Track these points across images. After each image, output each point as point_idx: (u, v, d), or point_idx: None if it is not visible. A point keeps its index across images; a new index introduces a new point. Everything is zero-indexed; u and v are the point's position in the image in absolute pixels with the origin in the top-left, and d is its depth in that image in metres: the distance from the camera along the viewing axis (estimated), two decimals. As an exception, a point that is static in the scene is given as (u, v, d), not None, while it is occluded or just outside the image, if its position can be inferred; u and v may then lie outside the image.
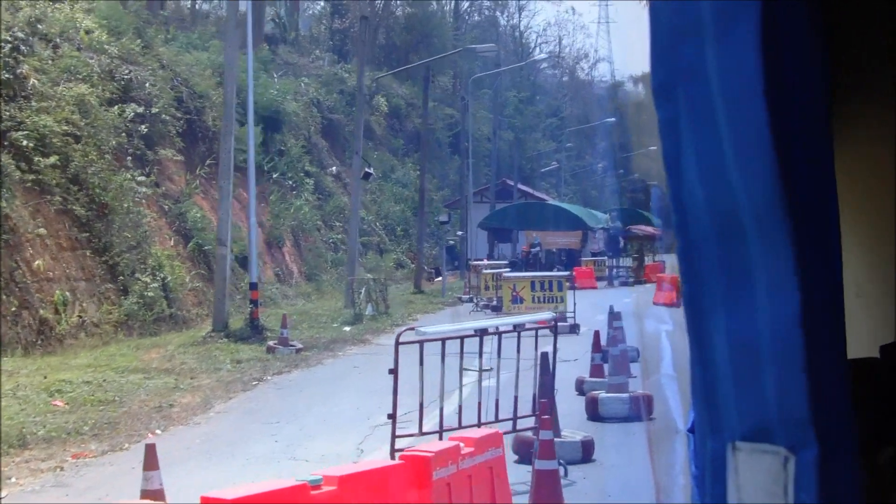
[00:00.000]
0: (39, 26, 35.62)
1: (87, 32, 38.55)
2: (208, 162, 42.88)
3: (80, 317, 29.64)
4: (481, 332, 11.90)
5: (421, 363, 11.53)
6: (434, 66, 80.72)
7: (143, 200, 36.52)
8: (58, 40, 36.08)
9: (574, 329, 28.91)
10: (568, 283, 30.78)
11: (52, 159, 30.34)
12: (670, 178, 1.78)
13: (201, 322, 35.88)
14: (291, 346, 24.79)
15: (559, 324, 30.34)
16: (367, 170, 39.01)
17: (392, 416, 11.32)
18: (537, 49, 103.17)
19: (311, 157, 56.48)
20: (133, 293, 31.90)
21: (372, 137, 71.64)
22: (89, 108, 33.65)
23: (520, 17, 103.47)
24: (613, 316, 22.26)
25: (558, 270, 57.91)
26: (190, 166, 42.38)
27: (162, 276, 33.85)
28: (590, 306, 34.22)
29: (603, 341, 20.94)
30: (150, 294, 32.42)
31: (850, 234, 2.60)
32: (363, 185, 43.83)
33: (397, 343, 11.41)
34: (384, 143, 73.41)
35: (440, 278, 54.54)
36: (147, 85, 39.34)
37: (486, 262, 56.42)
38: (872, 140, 4.03)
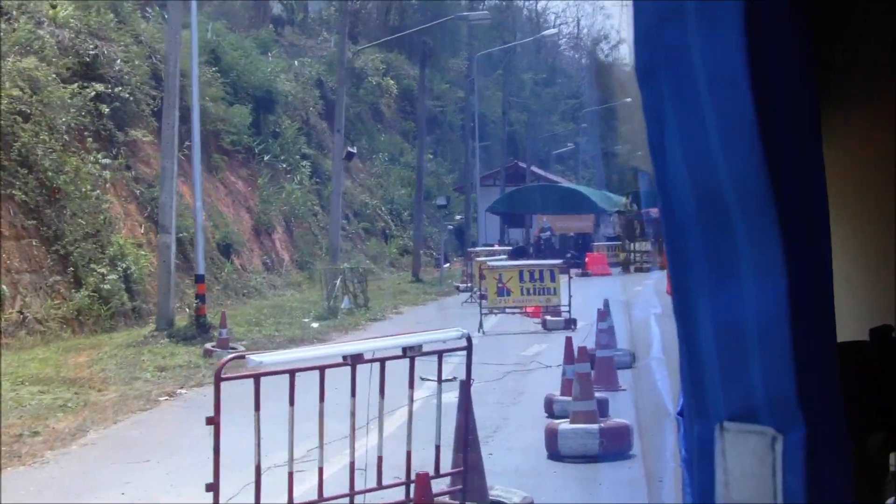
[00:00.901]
0: (-8, -3, 32.00)
1: (52, 6, 34.87)
2: (187, 143, 38.98)
3: (22, 312, 25.95)
4: (354, 360, 7.83)
5: (257, 408, 7.63)
6: (445, 47, 76.86)
7: (108, 185, 32.76)
8: (14, 13, 32.36)
9: (570, 325, 24.88)
10: (562, 272, 26.57)
11: (-8, 139, 26.69)
12: (655, 161, 1.72)
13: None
14: (232, 348, 20.85)
15: (551, 318, 26.50)
16: (349, 149, 35.00)
17: (213, 488, 7.40)
18: (557, 31, 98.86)
19: (310, 139, 52.43)
20: (87, 286, 28.15)
21: (381, 120, 67.74)
22: (40, 84, 29.87)
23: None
24: (602, 314, 18.32)
25: (571, 256, 54.14)
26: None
27: (124, 266, 30.00)
28: (597, 296, 30.64)
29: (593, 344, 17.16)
30: (107, 287, 28.62)
31: (839, 222, 2.58)
32: (347, 164, 39.88)
33: (218, 381, 7.46)
34: (394, 125, 69.37)
35: (448, 265, 50.79)
36: (118, 62, 35.46)
37: (494, 247, 52.82)
38: (861, 129, 3.86)
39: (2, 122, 27.15)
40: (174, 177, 23.90)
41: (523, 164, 67.82)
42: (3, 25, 31.01)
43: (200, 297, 23.66)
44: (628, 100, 78.21)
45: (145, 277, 31.35)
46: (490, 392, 16.44)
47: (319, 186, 51.08)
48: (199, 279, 23.96)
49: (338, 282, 29.12)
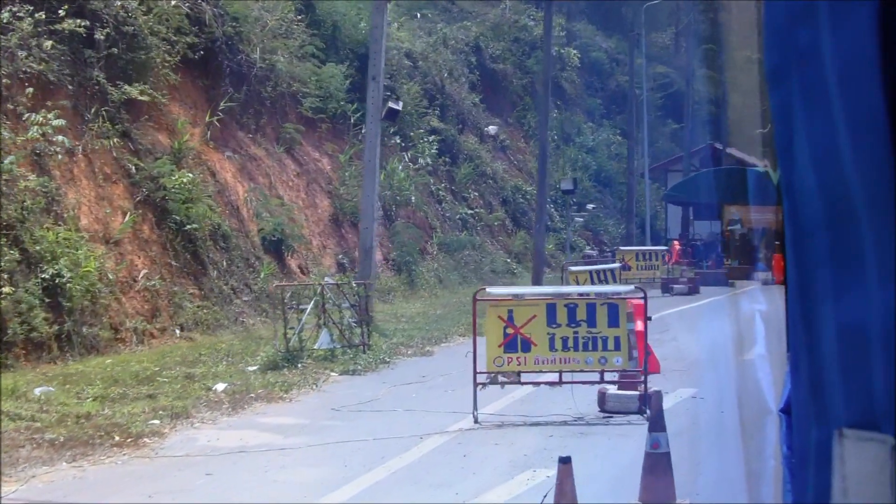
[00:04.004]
0: None
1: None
2: (224, 104, 27.45)
3: None
4: None
5: None
6: (648, 20, 63.88)
7: (70, 158, 21.70)
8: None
9: (644, 405, 12.38)
10: (629, 307, 13.77)
11: None
12: (782, 163, 1.62)
13: (131, 343, 20.74)
14: None
15: (614, 392, 13.55)
16: (391, 105, 22.79)
17: None
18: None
19: (444, 111, 40.32)
20: (-35, 302, 17.32)
21: (561, 95, 55.08)
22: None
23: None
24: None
25: (764, 258, 41.03)
26: (199, 110, 27.27)
27: (53, 272, 18.87)
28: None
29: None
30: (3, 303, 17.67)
31: None
32: (387, 125, 27.73)
33: None
34: (577, 102, 56.72)
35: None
36: (123, -5, 24.28)
37: (675, 245, 40.59)
38: None
39: None
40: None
41: (719, 146, 53.96)
42: None
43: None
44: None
45: (98, 288, 20.21)
46: None
47: (449, 168, 39.09)
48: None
49: (310, 307, 16.98)
